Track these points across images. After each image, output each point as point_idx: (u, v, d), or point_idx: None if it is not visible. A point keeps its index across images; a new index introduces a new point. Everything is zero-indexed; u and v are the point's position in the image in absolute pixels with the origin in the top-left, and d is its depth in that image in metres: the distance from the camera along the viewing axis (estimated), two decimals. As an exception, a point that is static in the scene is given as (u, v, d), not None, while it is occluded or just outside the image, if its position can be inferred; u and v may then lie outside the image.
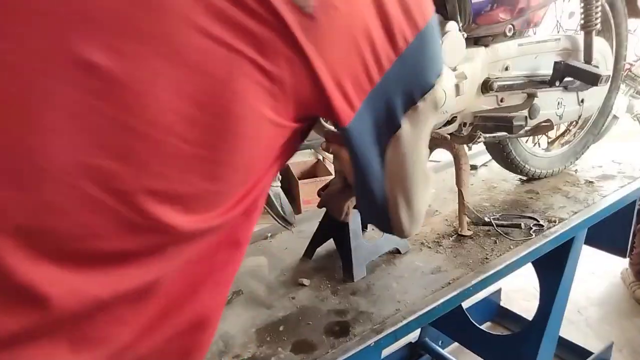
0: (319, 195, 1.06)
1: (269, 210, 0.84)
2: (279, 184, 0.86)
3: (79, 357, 0.38)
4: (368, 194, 0.58)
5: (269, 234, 1.19)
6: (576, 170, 1.45)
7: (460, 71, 0.92)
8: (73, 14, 0.35)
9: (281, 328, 0.82)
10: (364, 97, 0.47)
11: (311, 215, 1.27)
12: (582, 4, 1.14)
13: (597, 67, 1.15)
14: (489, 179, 1.44)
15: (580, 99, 1.22)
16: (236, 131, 0.40)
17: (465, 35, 0.89)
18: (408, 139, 0.53)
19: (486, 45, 1.00)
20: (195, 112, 0.38)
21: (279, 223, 0.87)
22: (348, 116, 0.46)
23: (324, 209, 1.04)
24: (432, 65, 0.51)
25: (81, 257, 0.37)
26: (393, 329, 0.80)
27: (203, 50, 0.37)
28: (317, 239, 1.06)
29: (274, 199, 0.83)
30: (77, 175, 0.35)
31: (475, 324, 1.65)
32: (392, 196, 0.58)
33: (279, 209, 0.84)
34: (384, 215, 0.60)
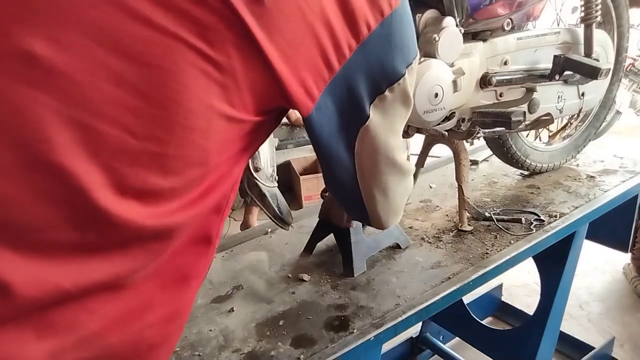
0: (322, 197, 1.07)
1: (266, 211, 0.84)
2: (276, 185, 0.85)
3: (45, 343, 0.38)
4: (337, 184, 0.57)
5: (269, 229, 1.19)
6: (577, 165, 1.44)
7: (458, 67, 0.91)
8: (14, 5, 0.34)
9: (281, 323, 0.83)
10: (324, 86, 0.45)
11: (312, 211, 1.27)
12: (583, -4, 1.13)
13: (597, 60, 1.15)
14: (490, 174, 1.44)
15: (580, 93, 1.22)
16: (184, 124, 0.39)
17: (463, 30, 0.88)
18: (378, 131, 0.52)
19: (484, 40, 0.99)
20: (139, 104, 0.37)
21: (276, 224, 0.86)
22: (307, 107, 0.45)
23: (325, 205, 1.05)
24: (400, 54, 0.49)
25: (41, 247, 0.37)
26: (393, 323, 0.80)
27: (145, 39, 0.36)
28: (318, 234, 1.07)
29: (270, 199, 0.83)
30: (29, 169, 0.35)
31: (477, 319, 1.65)
32: (366, 189, 0.57)
33: (276, 209, 0.84)
34: (360, 207, 0.60)
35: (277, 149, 0.86)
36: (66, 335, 0.39)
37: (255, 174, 0.81)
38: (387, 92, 0.50)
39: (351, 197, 0.58)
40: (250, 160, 0.80)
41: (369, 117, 0.50)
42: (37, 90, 0.34)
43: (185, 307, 0.49)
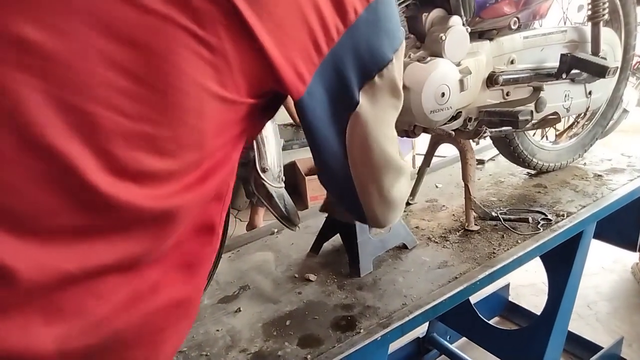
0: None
1: (273, 212, 0.84)
2: (283, 185, 0.85)
3: (53, 329, 0.38)
4: (328, 172, 0.57)
5: (275, 230, 1.20)
6: (585, 163, 1.44)
7: (465, 66, 0.91)
8: None
9: (288, 322, 0.83)
10: (314, 70, 0.46)
11: (317, 211, 1.27)
12: (590, -5, 1.13)
13: (604, 58, 1.14)
14: (496, 174, 1.43)
15: (588, 91, 1.21)
16: (179, 105, 0.39)
17: (469, 29, 0.88)
18: (368, 118, 0.52)
19: (491, 39, 0.99)
20: (132, 86, 0.37)
21: (283, 224, 0.87)
22: (299, 90, 0.46)
23: (326, 200, 1.05)
24: (387, 38, 0.50)
25: (43, 232, 0.37)
26: (399, 323, 0.80)
27: (135, 22, 0.36)
28: (324, 235, 1.07)
29: (277, 200, 0.83)
30: (24, 154, 0.35)
31: (484, 318, 1.65)
32: (360, 183, 0.57)
33: (283, 210, 0.84)
34: (355, 203, 0.60)
35: (282, 149, 0.87)
36: (73, 320, 0.39)
37: (262, 175, 0.81)
38: (376, 78, 0.51)
39: (343, 188, 0.59)
40: (257, 161, 0.80)
41: (358, 102, 0.51)
42: (29, 74, 0.35)
43: (192, 295, 0.49)
